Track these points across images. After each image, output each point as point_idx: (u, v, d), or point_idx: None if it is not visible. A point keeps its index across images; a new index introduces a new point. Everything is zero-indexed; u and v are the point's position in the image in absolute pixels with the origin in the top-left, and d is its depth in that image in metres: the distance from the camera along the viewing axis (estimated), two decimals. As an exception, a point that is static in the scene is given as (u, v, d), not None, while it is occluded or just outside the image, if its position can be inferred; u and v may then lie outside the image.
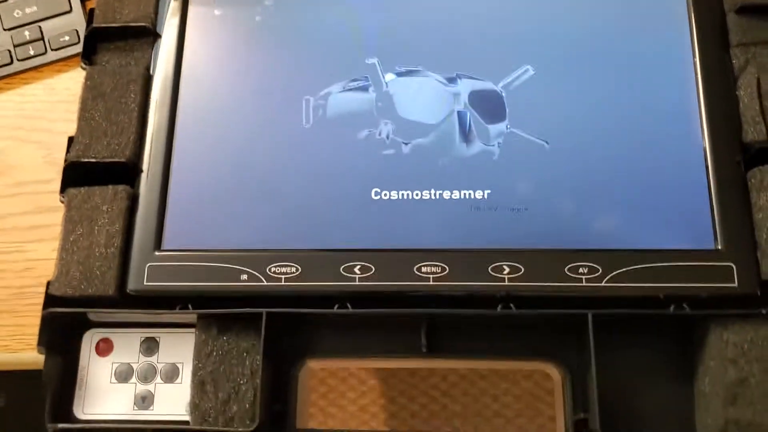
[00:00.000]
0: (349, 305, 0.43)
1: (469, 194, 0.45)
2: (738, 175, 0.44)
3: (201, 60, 0.49)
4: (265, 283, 0.43)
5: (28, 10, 0.57)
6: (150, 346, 0.46)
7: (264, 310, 0.42)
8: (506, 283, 0.42)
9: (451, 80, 0.47)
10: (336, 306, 0.43)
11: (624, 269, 0.42)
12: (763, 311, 0.40)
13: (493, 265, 0.43)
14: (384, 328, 0.45)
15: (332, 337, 0.45)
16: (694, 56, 0.46)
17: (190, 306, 0.44)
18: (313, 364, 0.45)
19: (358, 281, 0.43)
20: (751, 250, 0.42)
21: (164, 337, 0.46)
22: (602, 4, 0.48)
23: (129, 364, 0.46)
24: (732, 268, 0.42)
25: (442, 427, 0.52)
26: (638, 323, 0.43)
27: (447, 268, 0.43)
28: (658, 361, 0.43)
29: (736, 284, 0.41)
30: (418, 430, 0.51)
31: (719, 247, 0.42)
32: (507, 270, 0.43)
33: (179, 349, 0.46)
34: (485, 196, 0.45)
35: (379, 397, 0.53)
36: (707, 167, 0.44)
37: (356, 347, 0.45)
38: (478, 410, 0.53)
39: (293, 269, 0.43)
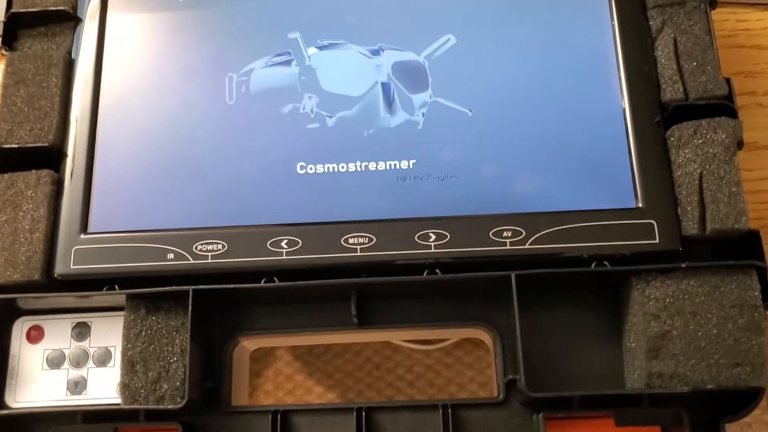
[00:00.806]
0: (276, 280, 0.43)
1: (395, 164, 0.45)
2: (657, 134, 0.44)
3: (123, 42, 0.48)
4: (192, 261, 0.43)
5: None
6: (82, 331, 0.46)
7: (190, 288, 0.42)
8: (432, 251, 0.43)
9: (374, 52, 0.47)
10: (263, 280, 0.43)
11: (547, 231, 0.42)
12: (683, 265, 0.41)
13: (420, 233, 0.43)
14: (315, 302, 0.45)
15: (264, 315, 0.45)
16: (612, 19, 0.46)
17: (116, 287, 0.43)
18: (246, 342, 0.45)
19: (286, 255, 0.43)
20: (672, 207, 0.43)
21: (96, 321, 0.46)
22: (520, -30, 0.48)
23: (61, 350, 0.45)
24: (653, 225, 0.42)
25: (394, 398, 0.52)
26: (565, 283, 0.43)
27: (374, 238, 0.43)
28: (587, 320, 0.44)
29: (657, 240, 0.42)
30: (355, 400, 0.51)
31: (640, 205, 0.43)
32: (433, 237, 0.43)
33: (111, 332, 0.45)
34: (411, 166, 0.45)
35: (333, 373, 0.54)
36: (627, 127, 0.44)
37: (288, 323, 0.45)
38: (430, 380, 0.54)
39: (220, 246, 0.43)
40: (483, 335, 0.45)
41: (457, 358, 0.54)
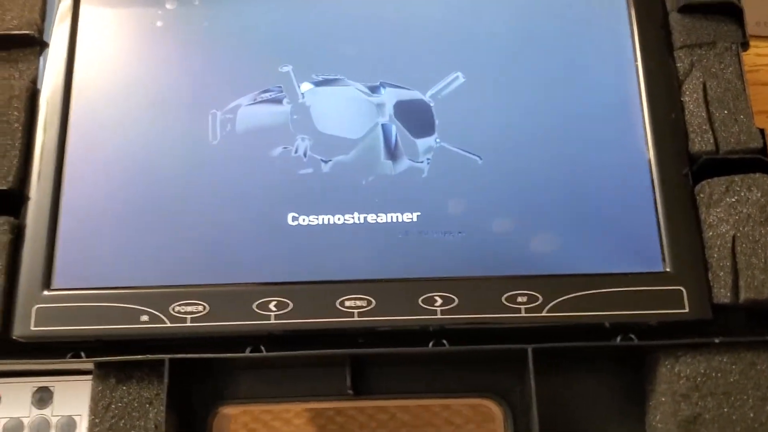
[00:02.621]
0: (263, 347, 0.38)
1: (397, 217, 0.40)
2: (685, 189, 0.40)
3: (94, 72, 0.43)
4: (169, 325, 0.38)
5: None
6: (43, 397, 0.41)
7: (166, 357, 0.38)
8: (438, 317, 0.38)
9: (374, 89, 0.43)
10: (248, 349, 0.38)
11: (566, 297, 0.38)
12: (716, 340, 0.37)
13: (424, 296, 0.39)
14: (305, 368, 0.40)
15: (247, 381, 0.40)
16: (636, 60, 0.42)
17: (82, 354, 0.38)
18: (228, 411, 0.41)
19: (274, 319, 0.38)
20: (702, 272, 0.39)
21: (59, 386, 0.41)
22: (537, 4, 0.44)
23: (19, 418, 0.40)
24: (682, 291, 0.38)
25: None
26: (585, 355, 0.39)
27: (373, 301, 0.39)
28: (607, 393, 0.40)
29: (686, 309, 0.38)
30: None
31: (668, 270, 0.39)
32: (439, 302, 0.39)
33: (77, 399, 0.40)
34: (414, 219, 0.40)
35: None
36: (653, 181, 0.40)
37: (274, 391, 0.40)
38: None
39: (200, 308, 0.39)
40: (491, 406, 0.41)
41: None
